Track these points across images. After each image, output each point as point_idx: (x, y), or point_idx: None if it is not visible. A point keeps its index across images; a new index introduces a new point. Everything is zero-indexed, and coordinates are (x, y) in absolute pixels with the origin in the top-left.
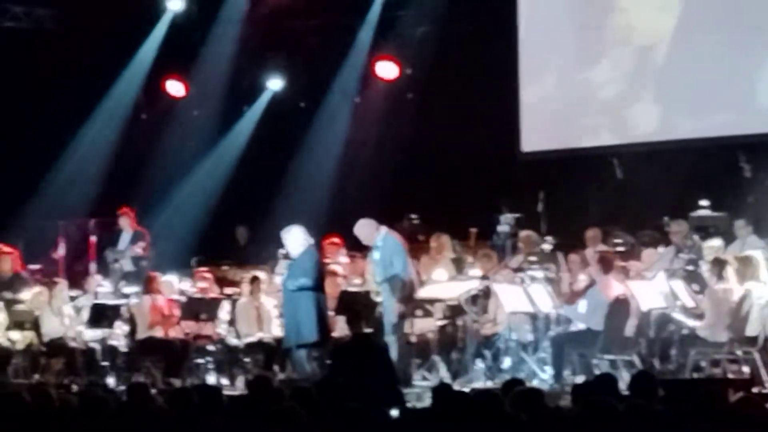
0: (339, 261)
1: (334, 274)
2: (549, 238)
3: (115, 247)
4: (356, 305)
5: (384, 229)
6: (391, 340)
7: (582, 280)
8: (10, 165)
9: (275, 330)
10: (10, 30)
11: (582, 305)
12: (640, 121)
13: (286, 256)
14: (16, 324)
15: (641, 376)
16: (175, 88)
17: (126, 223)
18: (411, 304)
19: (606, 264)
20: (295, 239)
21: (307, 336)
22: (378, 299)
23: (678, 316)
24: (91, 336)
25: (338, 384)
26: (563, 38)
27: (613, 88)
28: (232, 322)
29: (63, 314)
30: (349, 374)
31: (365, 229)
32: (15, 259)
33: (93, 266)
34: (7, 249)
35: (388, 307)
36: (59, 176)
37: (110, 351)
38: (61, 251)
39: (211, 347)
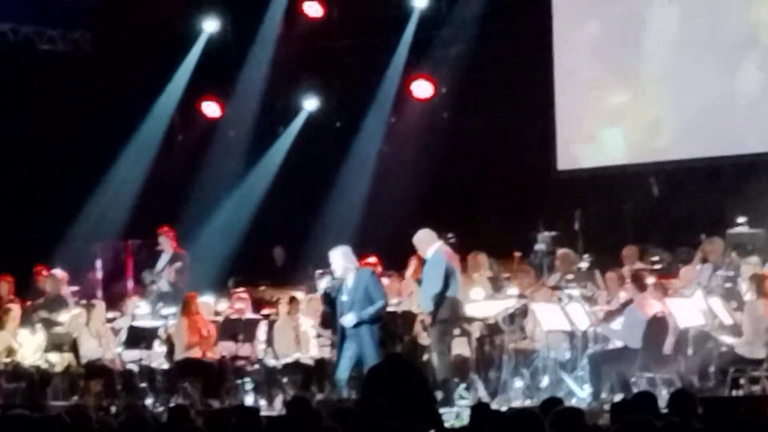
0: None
1: None
2: (586, 256)
3: (153, 268)
4: (393, 325)
5: (438, 244)
6: (432, 359)
7: (619, 297)
8: (49, 188)
9: (313, 350)
10: (47, 53)
11: (618, 322)
12: (676, 139)
13: (323, 276)
14: (55, 346)
15: (680, 394)
16: (211, 109)
17: (165, 243)
18: (453, 323)
19: (639, 282)
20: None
21: None
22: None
23: (716, 333)
24: (130, 357)
25: (377, 404)
26: (598, 56)
27: (650, 106)
28: (269, 343)
29: (101, 336)
30: (384, 395)
31: (423, 238)
32: (59, 281)
33: (131, 288)
34: (56, 271)
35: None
36: (97, 198)
37: (148, 372)
38: (98, 273)
39: (249, 368)
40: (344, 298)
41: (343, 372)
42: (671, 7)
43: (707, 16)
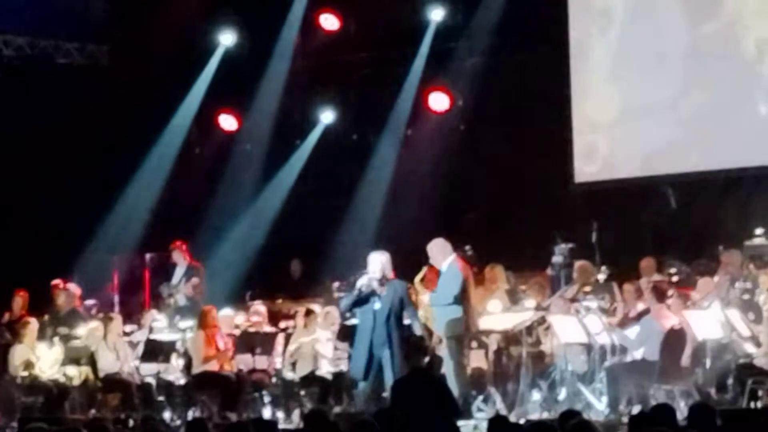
0: None
1: None
2: (603, 268)
3: (170, 282)
4: (418, 339)
5: (452, 256)
6: (448, 372)
7: (637, 309)
8: (67, 201)
9: (330, 363)
10: (64, 66)
11: (633, 331)
12: (693, 150)
13: (339, 289)
14: (72, 359)
15: (699, 406)
16: (228, 122)
17: (179, 257)
18: (467, 335)
19: (659, 293)
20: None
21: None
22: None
23: (734, 345)
24: (147, 371)
25: (396, 416)
26: (615, 68)
27: (666, 117)
28: (286, 356)
29: (118, 349)
30: (409, 408)
31: (437, 249)
32: (73, 296)
33: (148, 301)
34: (69, 285)
35: (443, 337)
36: (115, 212)
37: (166, 386)
38: (116, 286)
39: (266, 381)
40: (377, 306)
41: (388, 382)
42: (687, 20)
43: (723, 30)
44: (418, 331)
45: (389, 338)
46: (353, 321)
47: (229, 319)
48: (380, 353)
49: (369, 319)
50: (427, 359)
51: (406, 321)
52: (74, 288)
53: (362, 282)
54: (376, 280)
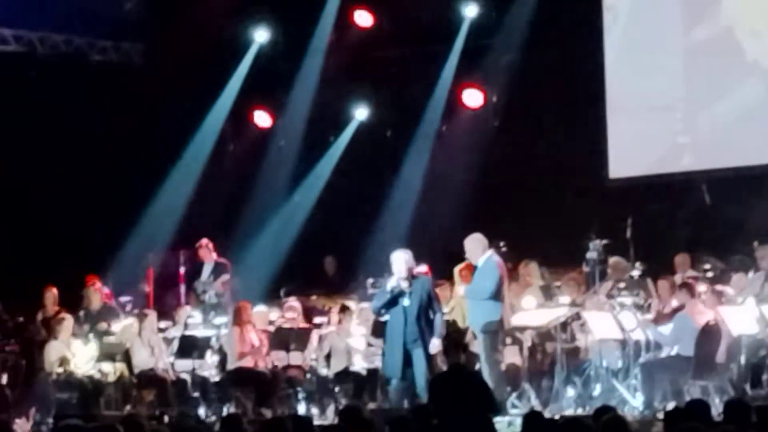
0: None
1: None
2: (638, 264)
3: (200, 279)
4: (457, 335)
5: (489, 252)
6: (481, 367)
7: (671, 305)
8: (103, 198)
9: (364, 359)
10: (99, 64)
11: (667, 328)
12: (728, 146)
13: (374, 285)
14: (107, 356)
15: (734, 402)
16: (262, 119)
17: (206, 254)
18: (501, 331)
19: (689, 289)
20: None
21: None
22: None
23: None
24: (182, 367)
25: (430, 413)
26: (650, 63)
27: (701, 113)
28: (321, 352)
29: (153, 345)
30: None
31: (473, 244)
32: (102, 292)
33: (182, 297)
34: (95, 283)
35: (477, 332)
36: (149, 208)
37: (201, 382)
38: (151, 282)
39: (300, 377)
40: (406, 303)
41: (420, 377)
42: (720, 17)
43: (756, 26)
44: (439, 326)
45: (421, 335)
46: (387, 317)
47: (264, 315)
48: (413, 350)
49: (400, 316)
50: (463, 358)
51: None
52: (102, 287)
53: (392, 284)
54: (403, 279)
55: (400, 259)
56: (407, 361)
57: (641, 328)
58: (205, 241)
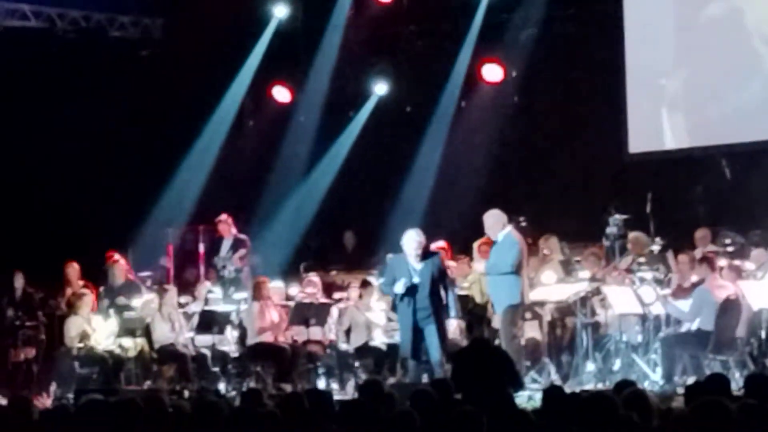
0: (448, 265)
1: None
2: (658, 239)
3: (219, 254)
4: (479, 309)
5: (510, 227)
6: (501, 342)
7: (691, 280)
8: (122, 173)
9: (384, 334)
10: (119, 40)
11: (686, 303)
12: (749, 120)
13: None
14: (128, 331)
15: (755, 376)
16: (281, 94)
17: (225, 229)
18: (521, 306)
19: (708, 263)
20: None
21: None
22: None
23: None
24: (202, 342)
25: (450, 387)
26: (669, 39)
27: (722, 87)
28: (340, 327)
29: (173, 321)
30: (469, 377)
31: (493, 220)
32: (124, 267)
33: (202, 273)
34: (117, 257)
35: (497, 306)
36: (169, 184)
37: (221, 357)
38: (170, 258)
39: (320, 352)
40: (416, 280)
41: (435, 352)
42: None
43: None
44: (453, 306)
45: (434, 311)
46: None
47: (283, 290)
48: (425, 327)
49: (409, 295)
50: (486, 333)
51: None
52: (123, 261)
53: (399, 290)
54: (411, 278)
55: (412, 240)
56: (420, 338)
57: (661, 302)
58: (224, 216)
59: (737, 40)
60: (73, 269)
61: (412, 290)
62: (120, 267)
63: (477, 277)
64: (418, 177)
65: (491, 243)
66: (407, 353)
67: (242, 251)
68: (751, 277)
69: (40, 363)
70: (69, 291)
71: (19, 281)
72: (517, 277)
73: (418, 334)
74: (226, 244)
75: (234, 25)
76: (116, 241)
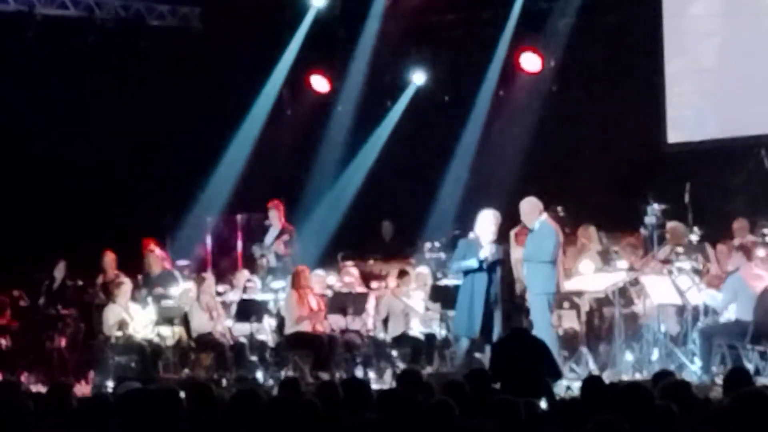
0: None
1: None
2: (696, 229)
3: (262, 242)
4: (519, 299)
5: (545, 215)
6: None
7: (728, 269)
8: (160, 163)
9: (422, 323)
10: (157, 29)
11: (719, 294)
12: None
13: (431, 250)
14: (166, 320)
15: None
16: (320, 83)
17: (275, 217)
18: (557, 295)
19: (746, 251)
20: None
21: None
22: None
23: None
24: (240, 331)
25: (487, 376)
26: (708, 28)
27: (762, 77)
28: (378, 316)
29: (211, 309)
30: (508, 367)
31: (530, 207)
32: (159, 256)
33: (240, 261)
34: (152, 246)
35: (533, 295)
36: (207, 173)
37: (259, 346)
38: (209, 247)
39: (358, 341)
40: (498, 256)
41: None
42: None
43: None
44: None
45: (502, 297)
46: (445, 281)
47: (321, 279)
48: (495, 310)
49: (483, 276)
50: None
51: None
52: (159, 251)
53: (485, 255)
54: (495, 246)
55: (489, 220)
56: (489, 317)
57: (696, 290)
58: (277, 201)
59: None
60: (110, 258)
61: (492, 266)
62: (155, 257)
63: (513, 264)
64: (455, 166)
65: (527, 231)
66: (472, 332)
67: (285, 237)
68: None
69: (78, 351)
70: (100, 279)
71: (60, 271)
72: (554, 266)
73: (488, 312)
74: (272, 233)
75: (272, 14)
76: (155, 231)
